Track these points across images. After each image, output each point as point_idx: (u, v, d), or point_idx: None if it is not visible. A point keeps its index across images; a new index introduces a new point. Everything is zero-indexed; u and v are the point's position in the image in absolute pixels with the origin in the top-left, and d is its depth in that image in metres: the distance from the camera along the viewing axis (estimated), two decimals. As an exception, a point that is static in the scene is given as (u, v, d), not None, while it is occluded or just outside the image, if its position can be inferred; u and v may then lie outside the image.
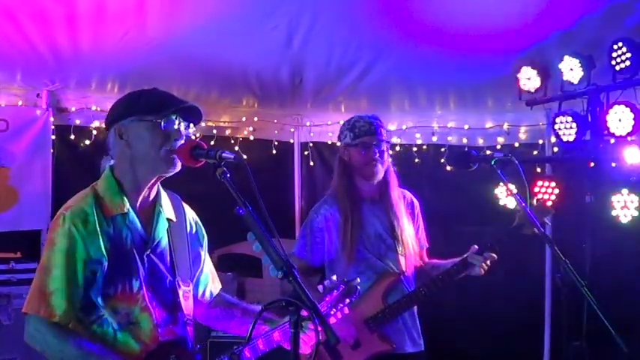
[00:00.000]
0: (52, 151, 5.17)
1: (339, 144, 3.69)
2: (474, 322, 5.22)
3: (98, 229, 2.25)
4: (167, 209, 2.45)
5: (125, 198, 2.33)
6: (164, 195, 2.47)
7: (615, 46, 3.88)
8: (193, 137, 2.45)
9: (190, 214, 2.57)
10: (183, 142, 2.30)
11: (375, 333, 3.40)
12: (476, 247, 3.40)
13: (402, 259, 3.52)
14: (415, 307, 3.55)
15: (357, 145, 3.48)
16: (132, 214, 2.33)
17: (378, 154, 3.47)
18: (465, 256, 3.41)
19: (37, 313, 2.22)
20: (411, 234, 3.58)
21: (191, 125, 2.37)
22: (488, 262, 3.38)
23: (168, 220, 2.44)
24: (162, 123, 2.28)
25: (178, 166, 2.32)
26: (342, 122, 3.67)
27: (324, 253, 3.52)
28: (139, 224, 2.34)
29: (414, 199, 3.71)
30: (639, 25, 3.91)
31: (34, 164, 5.08)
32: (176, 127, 2.30)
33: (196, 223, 2.59)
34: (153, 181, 2.37)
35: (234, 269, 5.46)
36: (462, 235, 4.38)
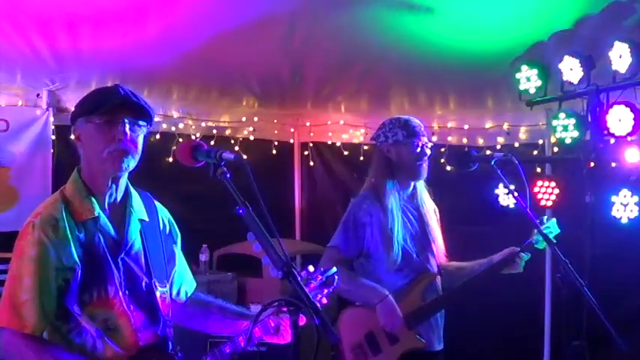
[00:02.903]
0: (52, 151, 5.17)
1: (366, 140, 3.72)
2: (474, 322, 5.22)
3: (69, 235, 2.19)
4: (138, 209, 2.40)
5: (94, 200, 2.27)
6: (135, 195, 2.41)
7: (615, 46, 3.88)
8: (193, 137, 2.43)
9: (163, 213, 2.52)
10: (125, 141, 2.22)
11: (412, 329, 3.48)
12: (517, 248, 3.48)
13: (433, 260, 3.62)
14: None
15: (411, 143, 3.52)
16: (103, 217, 2.27)
17: (427, 154, 3.55)
18: (509, 253, 3.48)
19: (9, 325, 2.14)
20: (439, 235, 3.67)
21: (143, 127, 2.29)
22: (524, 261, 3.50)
23: (141, 220, 2.39)
24: (104, 122, 2.21)
25: (125, 166, 2.25)
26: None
27: (362, 247, 3.58)
28: (110, 227, 2.29)
29: (434, 203, 3.78)
30: (639, 25, 3.91)
31: (34, 164, 5.08)
32: (119, 127, 2.22)
33: (169, 221, 2.53)
34: (108, 182, 2.30)
35: (234, 269, 5.45)
36: (462, 235, 4.39)
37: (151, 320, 2.32)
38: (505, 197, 4.82)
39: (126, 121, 2.23)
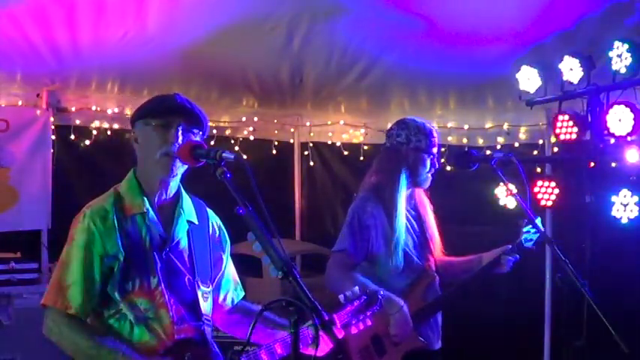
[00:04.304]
0: (52, 151, 5.17)
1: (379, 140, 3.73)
2: (474, 321, 5.22)
3: (116, 225, 2.31)
4: (188, 211, 2.48)
5: (145, 198, 2.38)
6: (186, 198, 2.50)
7: (615, 46, 3.88)
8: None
9: (214, 219, 2.61)
10: (176, 145, 2.32)
11: (415, 330, 3.47)
12: (509, 246, 3.48)
13: (432, 259, 3.61)
14: None
15: (429, 153, 3.51)
16: (151, 213, 2.38)
17: (436, 167, 3.57)
18: (498, 255, 3.48)
19: (54, 305, 2.28)
20: (436, 232, 3.66)
21: (196, 132, 2.39)
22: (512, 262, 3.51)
23: (189, 222, 2.47)
24: (160, 127, 2.33)
25: (175, 171, 2.36)
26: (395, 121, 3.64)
27: (368, 250, 3.52)
28: (158, 223, 2.39)
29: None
30: (639, 25, 3.92)
31: (34, 164, 5.08)
32: (173, 130, 2.33)
33: (219, 228, 2.62)
34: (158, 183, 2.40)
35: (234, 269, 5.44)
36: (462, 235, 4.39)
37: (190, 316, 2.39)
38: (505, 197, 4.82)
39: (179, 126, 2.34)
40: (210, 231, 2.56)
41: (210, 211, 2.60)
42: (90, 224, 2.30)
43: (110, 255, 2.29)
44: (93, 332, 2.29)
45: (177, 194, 2.47)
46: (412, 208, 3.62)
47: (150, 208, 2.38)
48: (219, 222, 2.63)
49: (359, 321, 2.43)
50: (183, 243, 2.44)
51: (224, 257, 2.63)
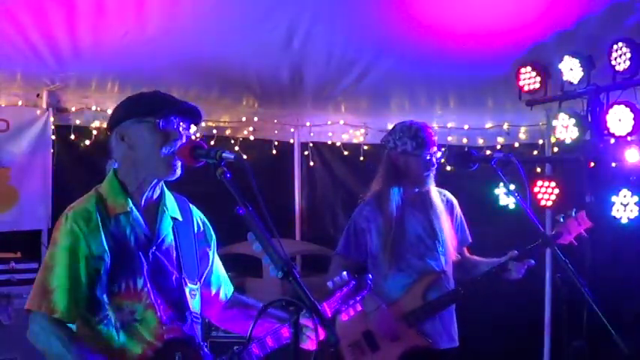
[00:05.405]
0: (52, 151, 5.17)
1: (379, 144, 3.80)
2: (474, 321, 5.21)
3: (100, 226, 2.27)
4: (171, 208, 2.46)
5: (128, 198, 2.34)
6: (169, 195, 2.48)
7: (615, 46, 3.89)
8: (193, 137, 2.45)
9: (198, 215, 2.58)
10: (183, 142, 2.30)
11: (412, 328, 3.51)
12: (515, 252, 3.51)
13: (442, 258, 3.63)
14: (453, 304, 3.67)
15: (420, 154, 3.53)
16: (135, 212, 2.34)
17: (435, 163, 3.57)
18: (505, 261, 3.52)
19: (39, 310, 2.23)
20: (449, 233, 3.67)
21: (192, 126, 2.38)
22: (525, 268, 3.52)
23: (174, 218, 2.45)
24: (161, 123, 2.29)
25: (178, 172, 2.33)
26: (392, 125, 3.72)
27: (366, 252, 3.64)
28: (142, 222, 2.35)
29: (453, 199, 3.81)
30: (639, 25, 3.92)
31: (34, 164, 5.08)
32: (175, 127, 2.31)
33: (204, 223, 2.59)
34: (154, 182, 2.38)
35: (234, 269, 5.44)
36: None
37: (178, 315, 2.36)
38: (505, 197, 4.82)
39: (182, 122, 2.33)
40: (195, 227, 2.53)
41: (193, 207, 2.57)
42: (73, 226, 2.25)
43: (96, 256, 2.25)
44: (82, 348, 2.22)
45: (161, 192, 2.44)
46: (418, 210, 3.62)
47: (133, 207, 2.34)
48: (203, 217, 2.60)
49: (349, 307, 2.42)
50: (169, 240, 2.40)
51: (210, 253, 2.58)
